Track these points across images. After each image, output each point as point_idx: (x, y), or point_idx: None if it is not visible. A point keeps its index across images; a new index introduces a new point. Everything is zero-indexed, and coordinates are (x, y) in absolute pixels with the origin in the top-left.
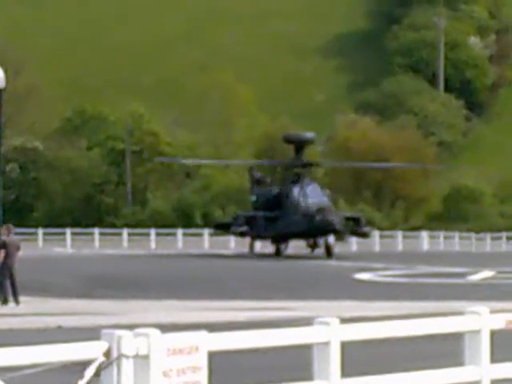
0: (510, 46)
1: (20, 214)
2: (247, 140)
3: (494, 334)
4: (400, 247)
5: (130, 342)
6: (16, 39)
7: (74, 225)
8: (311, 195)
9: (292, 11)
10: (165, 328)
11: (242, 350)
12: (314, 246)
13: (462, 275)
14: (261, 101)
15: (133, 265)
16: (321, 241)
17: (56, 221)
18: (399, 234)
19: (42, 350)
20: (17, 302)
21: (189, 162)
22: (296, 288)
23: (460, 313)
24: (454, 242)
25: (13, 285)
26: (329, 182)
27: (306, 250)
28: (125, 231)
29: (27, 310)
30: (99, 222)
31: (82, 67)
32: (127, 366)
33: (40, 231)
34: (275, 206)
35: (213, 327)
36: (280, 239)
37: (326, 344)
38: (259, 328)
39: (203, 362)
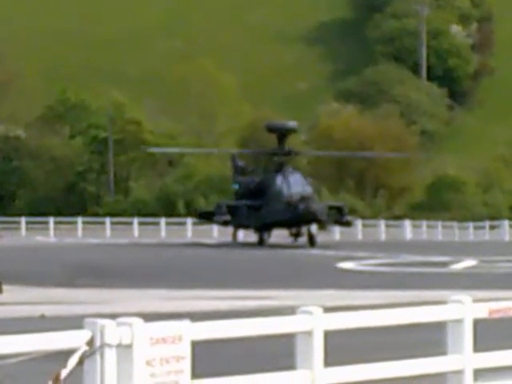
0: (492, 35)
1: (2, 203)
2: (230, 129)
3: (477, 323)
4: (383, 236)
5: (113, 331)
6: None
7: (56, 213)
8: (294, 184)
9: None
10: (148, 317)
11: (225, 339)
12: (296, 235)
13: (445, 264)
14: (243, 90)
15: (116, 254)
16: (304, 230)
17: (39, 209)
18: (382, 223)
19: (25, 339)
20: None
21: (174, 151)
22: (279, 277)
23: (443, 302)
24: (436, 231)
25: None
26: (311, 171)
27: (289, 239)
28: (107, 220)
29: (10, 299)
30: (82, 211)
31: (64, 56)
32: (110, 355)
33: (23, 220)
34: (258, 194)
35: (196, 316)
36: (263, 228)
37: (309, 333)
38: (242, 317)
39: (186, 352)
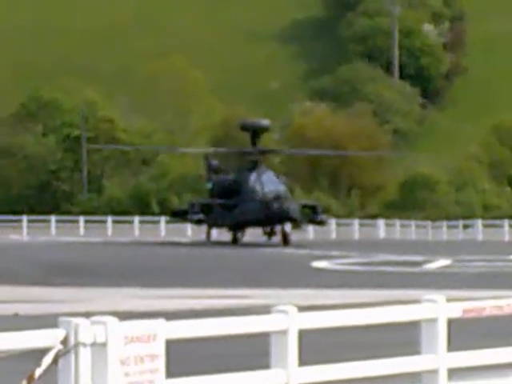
0: (464, 34)
1: None
2: (203, 127)
3: (451, 323)
4: (356, 235)
5: (87, 330)
6: None
7: (29, 212)
8: (268, 183)
9: None
10: (122, 316)
11: (200, 338)
12: (270, 234)
13: (419, 263)
14: (216, 87)
15: (90, 252)
16: (278, 229)
17: (12, 208)
18: (356, 222)
19: None
20: None
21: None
22: (253, 276)
23: (417, 301)
24: (410, 230)
25: None
26: (285, 170)
27: (263, 238)
28: (81, 218)
29: None
30: (55, 209)
31: (36, 54)
32: (85, 353)
33: None
34: (232, 193)
35: (171, 315)
36: (237, 227)
37: (284, 332)
38: (217, 316)
39: (161, 350)
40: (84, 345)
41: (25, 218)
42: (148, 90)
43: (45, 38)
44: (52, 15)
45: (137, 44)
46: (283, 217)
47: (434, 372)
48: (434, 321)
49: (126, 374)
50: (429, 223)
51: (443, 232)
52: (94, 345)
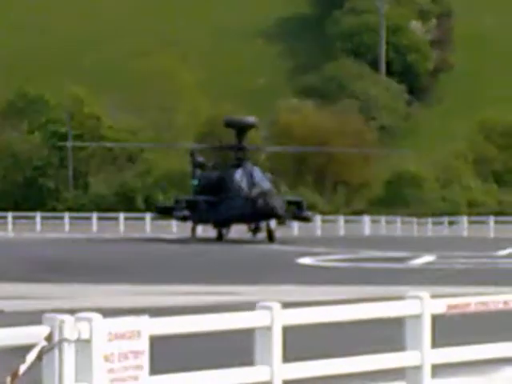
0: (451, 31)
1: None
2: (189, 124)
3: (435, 319)
4: (342, 232)
5: (71, 327)
6: None
7: (15, 208)
8: (253, 179)
9: None
10: (106, 312)
11: (184, 334)
12: (255, 231)
13: (404, 260)
14: (202, 85)
15: (75, 249)
16: (262, 225)
17: None
18: (341, 218)
19: None
20: None
21: (133, 145)
22: (238, 272)
23: (401, 297)
24: (395, 226)
25: None
26: (271, 166)
27: (248, 235)
28: (66, 215)
29: None
30: (41, 206)
31: (23, 51)
32: (69, 350)
33: None
34: (217, 190)
35: (155, 312)
36: (222, 223)
37: (268, 328)
38: (201, 312)
39: (145, 347)
40: (68, 341)
41: (10, 214)
42: (135, 87)
43: (32, 37)
44: (40, 13)
45: (124, 42)
46: (268, 213)
47: (419, 368)
48: (418, 317)
49: (110, 371)
50: (414, 219)
51: (428, 228)
52: (78, 341)
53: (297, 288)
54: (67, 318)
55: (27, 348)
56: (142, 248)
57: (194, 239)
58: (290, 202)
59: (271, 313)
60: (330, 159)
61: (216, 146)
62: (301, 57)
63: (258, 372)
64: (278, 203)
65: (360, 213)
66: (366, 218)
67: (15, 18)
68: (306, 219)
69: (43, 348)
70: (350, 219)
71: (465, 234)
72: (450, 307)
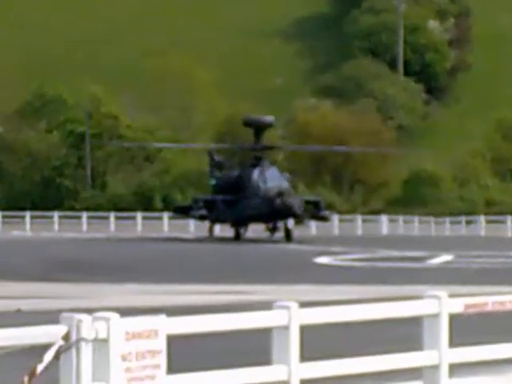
0: (469, 30)
1: None
2: (207, 124)
3: (453, 318)
4: (359, 231)
5: (89, 326)
6: None
7: (33, 208)
8: (271, 179)
9: None
10: (124, 312)
11: (201, 333)
12: (273, 230)
13: (422, 259)
14: (220, 84)
15: (92, 248)
16: (280, 224)
17: (15, 204)
18: (359, 217)
19: (1, 333)
20: None
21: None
22: (255, 272)
23: (419, 297)
24: (413, 226)
25: None
26: (288, 166)
27: (266, 234)
28: (84, 214)
29: None
30: (58, 206)
31: (41, 50)
32: (86, 349)
33: None
34: (235, 189)
35: (172, 311)
36: (239, 223)
37: (286, 328)
38: (218, 312)
39: (162, 346)
40: (86, 341)
41: (28, 214)
42: (152, 87)
43: (50, 36)
44: (58, 13)
45: (141, 41)
46: (286, 213)
47: (436, 368)
48: (436, 316)
49: (128, 370)
50: (432, 219)
51: (446, 228)
52: (95, 341)
53: (314, 287)
54: (85, 318)
55: (44, 347)
56: (160, 247)
57: (211, 239)
58: (307, 202)
59: (289, 312)
60: (347, 159)
61: (236, 145)
62: (318, 56)
63: (275, 371)
64: (295, 203)
65: (378, 212)
66: (384, 218)
67: (32, 18)
68: (323, 219)
69: (60, 347)
70: (367, 219)
71: (482, 233)
72: (467, 306)
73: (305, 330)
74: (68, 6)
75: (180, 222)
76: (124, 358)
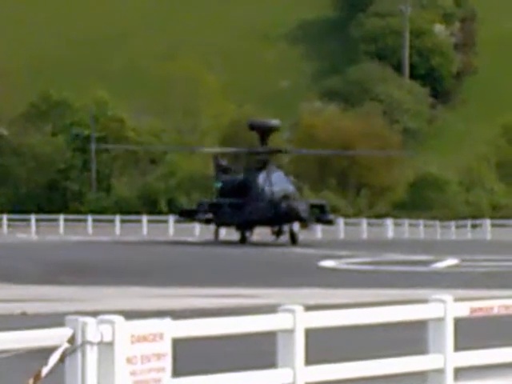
0: (475, 34)
1: None
2: (212, 127)
3: (458, 322)
4: (365, 235)
5: (94, 329)
6: None
7: (38, 211)
8: (276, 182)
9: None
10: (129, 315)
11: (206, 337)
12: (278, 233)
13: (427, 263)
14: (226, 88)
15: (98, 251)
16: (286, 228)
17: (20, 207)
18: (364, 221)
19: (6, 336)
20: None
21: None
22: (261, 275)
23: (424, 300)
24: (418, 229)
25: None
26: (294, 170)
27: (271, 237)
28: (89, 218)
29: None
30: (64, 209)
31: (47, 54)
32: (91, 352)
33: (4, 217)
34: (240, 193)
35: (177, 314)
36: (245, 226)
37: (291, 331)
38: (223, 315)
39: (167, 349)
40: (91, 344)
41: (33, 217)
42: (158, 90)
43: (56, 39)
44: (64, 16)
45: (147, 44)
46: (291, 216)
47: (441, 371)
48: (441, 320)
49: (133, 373)
50: (437, 223)
51: (452, 232)
52: (100, 344)
53: (319, 291)
54: (90, 321)
55: (50, 350)
56: (165, 250)
57: (216, 242)
58: (313, 205)
59: (294, 316)
60: (353, 162)
61: (241, 149)
62: (324, 60)
63: (280, 374)
64: (301, 206)
65: (383, 216)
66: (389, 221)
67: (38, 21)
68: (329, 222)
69: (66, 350)
70: (373, 222)
71: (488, 237)
72: (473, 310)
73: (310, 333)
74: (74, 9)
75: (185, 225)
76: (129, 361)
